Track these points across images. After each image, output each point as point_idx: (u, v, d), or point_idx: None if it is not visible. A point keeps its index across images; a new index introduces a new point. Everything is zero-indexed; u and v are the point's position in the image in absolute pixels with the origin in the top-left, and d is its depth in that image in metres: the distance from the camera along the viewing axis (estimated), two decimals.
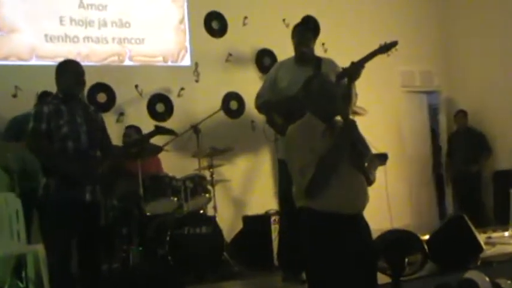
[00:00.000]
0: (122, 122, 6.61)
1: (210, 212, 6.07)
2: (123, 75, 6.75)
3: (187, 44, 7.14)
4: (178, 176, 5.85)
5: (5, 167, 5.21)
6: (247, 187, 7.24)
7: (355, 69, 4.64)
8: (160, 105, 6.90)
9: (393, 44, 4.70)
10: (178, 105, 6.96)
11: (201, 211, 5.92)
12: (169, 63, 7.06)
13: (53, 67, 4.12)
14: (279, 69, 4.94)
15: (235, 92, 7.17)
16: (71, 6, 6.54)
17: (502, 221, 7.16)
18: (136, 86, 6.78)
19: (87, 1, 6.61)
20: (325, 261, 3.09)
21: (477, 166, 8.16)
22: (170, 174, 5.85)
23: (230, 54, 7.30)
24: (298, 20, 6.32)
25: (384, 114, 8.17)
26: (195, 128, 6.41)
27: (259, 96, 4.97)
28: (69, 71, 4.04)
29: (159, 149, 5.79)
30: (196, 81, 7.12)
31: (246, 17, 7.38)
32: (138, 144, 4.47)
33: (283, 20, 7.30)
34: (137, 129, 6.16)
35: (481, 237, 5.22)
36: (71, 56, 5.89)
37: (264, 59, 7.41)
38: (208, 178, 6.12)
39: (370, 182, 3.24)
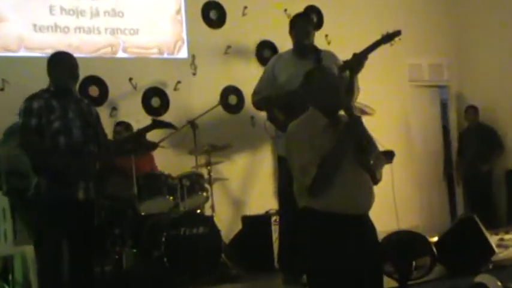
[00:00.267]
0: (114, 117, 6.60)
1: (207, 211, 6.07)
2: (116, 68, 6.73)
3: (184, 35, 7.13)
4: (175, 173, 5.85)
5: None
6: (246, 186, 7.24)
7: (357, 61, 4.64)
8: (155, 99, 6.89)
9: (396, 34, 4.71)
10: (174, 100, 6.95)
11: (198, 211, 5.92)
12: (165, 56, 7.05)
13: (42, 59, 4.12)
14: (276, 63, 4.93)
15: (234, 86, 7.16)
16: None
17: None
18: (130, 79, 6.77)
19: None
20: (327, 264, 3.08)
21: (489, 164, 8.16)
22: (166, 172, 5.84)
23: (229, 46, 7.29)
24: (300, 10, 6.31)
25: (390, 110, 8.15)
26: (192, 124, 6.41)
27: (256, 93, 4.97)
28: (61, 63, 4.04)
29: (154, 146, 5.77)
30: (194, 74, 7.11)
31: (245, 7, 7.36)
32: (133, 139, 4.45)
33: (285, 10, 7.29)
34: (127, 126, 6.16)
35: (493, 239, 5.23)
36: (61, 47, 5.86)
37: (264, 51, 7.40)
38: (206, 176, 6.12)
39: (376, 181, 3.23)
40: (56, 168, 3.84)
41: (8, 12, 6.28)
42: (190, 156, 6.37)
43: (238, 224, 6.32)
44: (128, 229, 5.52)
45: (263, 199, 6.67)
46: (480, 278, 4.14)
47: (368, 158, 3.16)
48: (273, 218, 5.81)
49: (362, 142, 3.12)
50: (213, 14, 7.29)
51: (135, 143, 4.43)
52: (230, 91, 7.18)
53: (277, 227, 5.60)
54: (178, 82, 7.01)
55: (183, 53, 7.12)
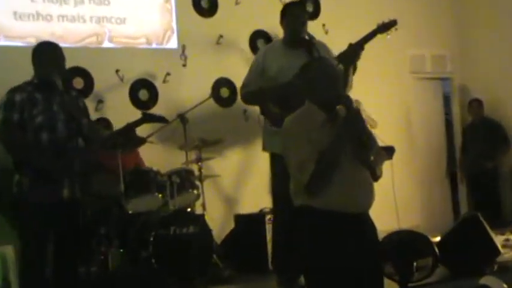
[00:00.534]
0: (100, 111, 6.58)
1: (198, 210, 6.06)
2: (102, 59, 6.71)
3: (173, 24, 7.11)
4: (164, 170, 5.84)
5: None
6: (239, 183, 7.24)
7: (353, 52, 4.65)
8: (143, 92, 6.88)
9: (392, 24, 4.74)
10: (163, 92, 6.94)
11: (189, 209, 5.91)
12: (154, 46, 7.03)
13: (23, 48, 4.11)
14: (266, 54, 4.93)
15: (227, 78, 7.15)
16: None
17: None
18: (117, 71, 6.75)
19: None
20: (326, 263, 3.09)
21: (494, 161, 8.16)
22: (154, 168, 5.83)
23: (221, 36, 7.28)
24: None
25: (390, 103, 8.17)
26: (182, 118, 6.39)
27: (245, 85, 4.96)
28: (45, 54, 4.03)
29: (142, 141, 5.78)
30: (184, 65, 7.10)
31: None
32: (122, 134, 4.45)
33: None
34: (107, 123, 6.14)
35: (498, 240, 5.24)
36: (44, 37, 5.85)
37: (258, 42, 7.39)
38: (197, 173, 6.12)
39: (376, 178, 3.24)
40: (38, 167, 3.83)
41: None
42: (180, 151, 6.37)
43: (230, 223, 6.33)
44: (114, 228, 5.51)
45: (257, 197, 6.68)
46: (484, 280, 4.16)
47: (368, 154, 3.17)
48: (267, 217, 5.82)
49: (361, 137, 3.13)
50: (204, 3, 7.27)
51: (124, 137, 4.43)
52: (222, 83, 7.18)
53: (271, 226, 5.61)
54: (168, 74, 6.99)
55: (173, 43, 7.10)
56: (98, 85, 6.64)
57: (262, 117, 4.94)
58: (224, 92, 7.20)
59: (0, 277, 4.76)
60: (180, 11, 7.12)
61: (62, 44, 4.20)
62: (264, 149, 4.99)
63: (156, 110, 6.70)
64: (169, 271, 5.17)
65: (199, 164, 6.16)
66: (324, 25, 7.56)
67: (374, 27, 4.82)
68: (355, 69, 4.95)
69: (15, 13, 6.34)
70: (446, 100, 9.25)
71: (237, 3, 7.36)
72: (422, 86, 8.80)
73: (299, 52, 4.72)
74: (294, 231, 4.42)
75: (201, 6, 7.26)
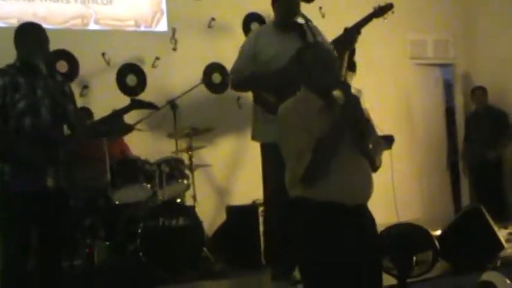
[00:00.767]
0: (86, 96, 6.57)
1: (188, 201, 6.07)
2: (88, 42, 6.70)
3: (163, 6, 7.09)
4: (152, 159, 5.84)
5: None
6: (231, 173, 7.25)
7: (349, 37, 4.65)
8: (131, 77, 6.86)
9: (388, 7, 4.75)
10: (152, 78, 6.93)
11: (178, 200, 5.92)
12: (142, 29, 7.01)
13: (3, 29, 4.07)
14: (257, 38, 4.90)
15: (219, 63, 7.13)
16: None
17: None
18: (103, 54, 6.74)
19: None
20: (322, 259, 3.10)
21: (498, 151, 8.17)
22: (142, 157, 5.83)
23: (213, 19, 7.26)
24: None
25: (389, 90, 8.18)
26: (171, 104, 6.39)
27: (235, 71, 4.94)
28: (27, 35, 3.99)
29: (130, 128, 5.77)
30: (174, 49, 7.08)
31: None
32: (110, 121, 4.43)
33: None
34: (89, 113, 6.12)
35: (502, 233, 5.25)
36: (26, 18, 5.82)
37: (252, 25, 7.37)
38: (187, 162, 6.11)
39: (375, 168, 3.24)
40: (20, 155, 3.81)
41: None
42: (170, 140, 6.36)
43: (222, 215, 6.33)
44: (100, 220, 5.52)
45: (249, 188, 6.66)
46: (487, 276, 4.17)
47: (367, 142, 3.17)
48: (261, 209, 5.81)
49: (360, 125, 3.13)
50: None
51: (111, 125, 4.41)
52: (214, 68, 7.16)
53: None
54: (157, 58, 6.98)
55: (162, 26, 7.08)
56: (83, 69, 6.63)
57: (253, 103, 4.92)
58: (216, 78, 7.18)
59: None
60: None
61: (45, 26, 4.17)
62: (254, 138, 4.98)
63: (144, 96, 6.67)
64: (157, 265, 5.18)
65: (190, 152, 6.16)
66: (320, 8, 7.54)
67: (371, 10, 4.84)
68: (353, 53, 4.95)
69: None
70: (449, 87, 9.26)
71: None
72: (422, 73, 8.80)
73: (292, 36, 4.72)
74: (289, 223, 4.44)
75: None
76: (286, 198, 3.31)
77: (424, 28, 8.55)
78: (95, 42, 6.73)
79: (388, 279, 4.28)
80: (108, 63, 6.76)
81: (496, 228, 5.09)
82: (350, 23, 4.80)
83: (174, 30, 7.06)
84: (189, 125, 6.21)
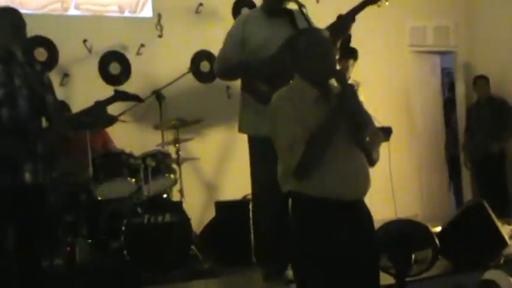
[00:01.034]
0: (66, 86, 6.55)
1: (175, 196, 6.07)
2: (68, 28, 6.67)
3: None
4: (137, 152, 5.83)
5: None
6: (221, 167, 7.24)
7: (343, 24, 4.64)
8: (114, 65, 6.84)
9: None
10: (137, 66, 6.91)
11: (165, 195, 5.91)
12: (126, 14, 6.99)
13: None
14: (245, 23, 4.89)
15: (207, 51, 7.11)
16: None
17: None
18: (84, 41, 6.71)
19: None
20: (316, 257, 3.10)
21: (501, 143, 8.20)
22: (127, 150, 5.82)
23: (201, 4, 7.24)
24: None
25: (387, 80, 8.18)
26: (157, 94, 6.37)
27: (222, 59, 4.91)
28: (4, 21, 3.97)
29: (113, 119, 5.76)
30: (160, 36, 7.06)
31: None
32: (92, 113, 4.44)
33: None
34: (65, 106, 6.08)
35: (505, 230, 5.28)
36: (1, 2, 5.78)
37: (242, 10, 7.34)
38: (174, 155, 6.10)
39: (372, 162, 3.24)
40: None
41: None
42: (156, 132, 6.35)
43: (211, 211, 6.33)
44: (82, 216, 5.52)
45: (240, 182, 6.65)
46: (489, 274, 4.19)
47: (363, 134, 3.16)
48: (252, 204, 5.82)
49: (356, 115, 3.12)
50: None
51: (94, 117, 4.41)
52: (202, 56, 7.15)
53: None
54: (142, 45, 6.95)
55: (147, 12, 7.06)
56: (63, 57, 6.60)
57: (242, 93, 4.90)
58: (204, 66, 7.17)
59: None
60: None
61: (22, 11, 4.15)
62: (242, 130, 4.97)
63: (128, 86, 6.67)
64: (143, 264, 5.18)
65: (177, 145, 6.15)
66: None
67: None
68: (349, 40, 4.94)
69: None
70: (449, 77, 9.27)
71: None
72: (422, 61, 8.81)
73: (282, 22, 4.72)
74: (281, 219, 4.43)
75: None
76: (278, 194, 3.30)
77: (423, 14, 8.55)
78: (75, 29, 6.70)
79: (385, 278, 4.29)
80: (89, 50, 6.73)
81: (499, 224, 5.11)
82: (346, 8, 4.79)
83: (159, 16, 7.04)
84: (176, 116, 6.19)
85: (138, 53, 6.95)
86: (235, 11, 7.36)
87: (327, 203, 3.10)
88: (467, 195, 8.77)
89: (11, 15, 4.02)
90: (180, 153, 6.14)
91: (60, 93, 6.14)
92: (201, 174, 7.12)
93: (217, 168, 7.25)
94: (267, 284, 4.83)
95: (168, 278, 5.19)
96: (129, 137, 6.40)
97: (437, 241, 4.75)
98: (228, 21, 7.23)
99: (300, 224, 3.18)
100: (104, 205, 5.56)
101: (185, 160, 6.34)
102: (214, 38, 7.03)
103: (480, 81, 8.43)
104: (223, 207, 6.20)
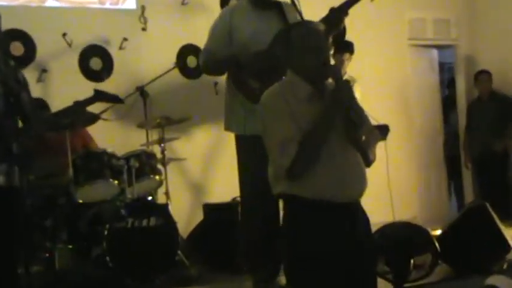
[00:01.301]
0: (44, 82, 6.53)
1: (160, 199, 6.06)
2: (46, 20, 6.65)
3: None
4: (120, 152, 5.81)
5: None
6: (208, 167, 7.24)
7: (335, 18, 4.65)
8: (95, 60, 6.83)
9: None
10: (119, 61, 6.90)
11: (149, 198, 5.90)
12: (108, 6, 6.98)
13: None
14: (232, 15, 4.89)
15: (194, 45, 7.10)
16: None
17: None
18: (63, 35, 6.69)
19: None
20: (310, 262, 3.10)
21: (504, 142, 8.22)
22: (109, 150, 5.80)
23: None
24: None
25: (384, 75, 8.20)
26: (141, 91, 6.38)
27: (208, 52, 4.91)
28: None
29: (94, 118, 5.74)
30: (144, 29, 7.05)
31: None
32: (71, 113, 4.42)
33: None
34: (43, 104, 6.05)
35: (508, 233, 5.29)
36: None
37: (231, 2, 7.33)
38: (159, 155, 6.10)
39: (369, 162, 3.25)
40: None
41: None
42: (140, 130, 6.35)
43: (198, 214, 6.33)
44: (62, 221, 5.49)
45: (229, 184, 6.64)
46: (492, 280, 4.20)
47: (359, 133, 3.17)
48: (240, 207, 5.81)
49: (352, 113, 3.13)
50: None
51: (72, 117, 4.39)
52: (189, 51, 7.14)
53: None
54: (125, 39, 6.94)
55: (131, 3, 7.05)
56: (41, 52, 6.60)
57: (228, 90, 4.89)
58: (191, 61, 7.16)
59: None
60: None
61: None
62: (229, 128, 4.97)
63: (111, 82, 6.66)
64: (126, 271, 5.18)
65: (162, 145, 6.14)
66: None
67: None
68: (343, 33, 4.94)
69: None
70: (449, 72, 9.29)
71: None
72: (421, 55, 8.83)
73: (271, 15, 4.72)
74: (272, 222, 4.43)
75: None
76: (268, 196, 3.30)
77: (423, 6, 8.57)
78: (54, 21, 6.68)
79: (383, 284, 4.30)
80: (69, 44, 6.72)
81: (502, 227, 5.12)
82: (338, 1, 4.79)
83: (143, 8, 7.03)
84: (161, 114, 6.19)
85: (120, 47, 6.94)
86: (224, 3, 7.32)
87: (321, 206, 3.10)
88: (469, 196, 8.80)
89: None
90: (165, 153, 6.13)
91: (37, 90, 6.18)
92: (188, 175, 7.12)
93: (205, 169, 7.25)
94: None
95: (153, 285, 5.19)
96: (112, 136, 6.39)
97: (437, 245, 4.78)
98: (216, 14, 7.16)
99: (292, 227, 3.18)
100: (85, 209, 5.55)
101: (171, 160, 6.34)
102: (201, 32, 7.00)
103: (482, 77, 8.45)
104: (211, 209, 6.20)
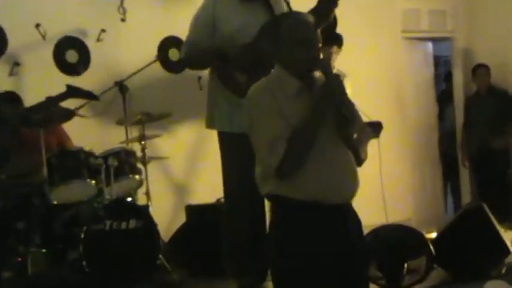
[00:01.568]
0: (17, 76, 6.50)
1: (141, 200, 6.05)
2: (18, 10, 6.62)
3: None
4: (98, 150, 5.81)
5: None
6: (192, 167, 7.24)
7: (324, 9, 4.66)
8: (71, 53, 6.81)
9: None
10: (97, 54, 6.88)
11: (129, 199, 5.90)
12: None
13: None
14: (216, 5, 4.90)
15: (176, 37, 7.08)
16: None
17: None
18: (37, 26, 6.66)
19: None
20: (299, 266, 3.11)
21: (505, 138, 8.25)
22: (86, 148, 5.80)
23: None
24: None
25: (377, 69, 8.22)
26: (120, 86, 6.36)
27: (191, 43, 4.91)
28: None
29: (70, 114, 5.73)
30: (123, 20, 7.03)
31: None
32: (44, 109, 4.41)
33: None
34: (15, 97, 6.01)
35: (507, 236, 5.32)
36: None
37: None
38: (139, 154, 6.09)
39: (360, 161, 3.26)
40: None
41: None
42: (119, 127, 6.33)
43: (181, 216, 6.33)
44: (36, 223, 5.48)
45: (213, 184, 6.65)
46: (490, 285, 4.23)
47: (350, 130, 3.18)
48: (224, 209, 5.82)
49: (343, 109, 3.14)
50: None
51: (45, 113, 4.38)
52: (171, 43, 7.13)
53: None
54: (103, 31, 6.92)
55: None
56: (13, 44, 6.56)
57: (212, 84, 4.90)
58: (173, 54, 7.15)
59: None
60: None
61: None
62: (212, 126, 4.97)
63: (88, 76, 6.64)
64: (104, 276, 5.17)
65: (143, 142, 6.13)
66: None
67: None
68: (334, 25, 4.95)
69: None
70: (446, 65, 9.32)
71: None
72: (416, 48, 8.86)
73: (256, 6, 4.74)
74: (259, 225, 4.44)
75: None
76: (255, 196, 3.31)
77: None
78: (27, 11, 6.64)
79: None
80: (43, 36, 6.68)
81: (500, 229, 5.15)
82: None
83: None
84: (142, 110, 6.17)
85: (98, 39, 6.92)
86: None
87: (311, 207, 3.11)
88: (466, 197, 8.84)
89: None
90: (146, 151, 6.13)
91: (10, 85, 6.16)
92: (170, 174, 7.11)
93: (187, 168, 7.24)
94: None
95: None
96: (89, 133, 6.38)
97: (432, 249, 4.79)
98: (200, 4, 7.25)
99: (280, 230, 3.19)
100: (60, 210, 5.54)
101: (152, 159, 6.33)
102: (184, 23, 6.99)
103: (480, 71, 8.48)
104: (194, 211, 6.21)
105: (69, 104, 5.73)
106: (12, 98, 5.97)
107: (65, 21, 6.82)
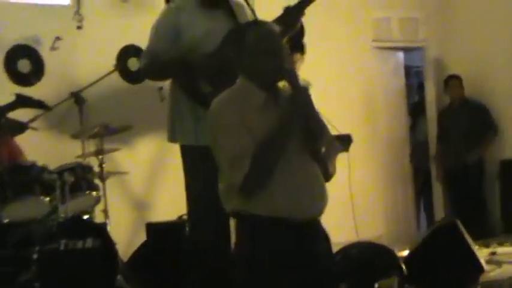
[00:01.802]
0: None
1: (98, 217, 6.03)
2: None
3: None
4: (52, 165, 5.78)
5: None
6: (152, 182, 7.23)
7: (290, 18, 4.69)
8: (24, 62, 6.79)
9: None
10: (51, 63, 6.87)
11: (86, 216, 5.87)
12: (39, 1, 6.93)
13: None
14: (178, 14, 4.90)
15: (136, 46, 7.09)
16: None
17: (511, 230, 7.38)
18: None
19: None
20: (268, 285, 3.12)
21: (478, 153, 8.30)
22: (39, 163, 5.76)
23: None
24: None
25: (346, 80, 8.27)
26: (76, 97, 6.33)
27: (154, 53, 4.90)
28: None
29: (22, 127, 5.70)
30: (79, 27, 7.02)
31: None
32: None
33: None
34: None
35: (482, 253, 5.37)
36: None
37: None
38: (97, 169, 6.07)
39: (329, 175, 3.28)
40: None
41: None
42: (75, 141, 6.31)
43: (141, 235, 6.31)
44: None
45: (175, 200, 6.65)
46: None
47: (318, 144, 3.19)
48: (188, 227, 5.81)
49: (311, 121, 3.15)
50: None
51: None
52: (130, 52, 7.14)
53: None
54: (58, 38, 6.91)
55: None
56: None
57: (174, 95, 4.90)
58: (133, 64, 7.16)
59: None
60: None
61: None
62: (174, 139, 4.97)
63: (41, 86, 6.62)
64: None
65: (100, 157, 6.12)
66: None
67: None
68: (302, 34, 4.97)
69: None
70: (418, 76, 9.37)
71: None
72: (386, 58, 8.91)
73: (220, 14, 4.75)
74: (223, 243, 4.44)
75: None
76: (219, 213, 3.31)
77: (388, 4, 8.66)
78: None
79: None
80: None
81: (474, 247, 5.19)
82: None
83: (79, 4, 7.00)
84: (99, 122, 6.17)
85: (52, 48, 6.90)
86: (169, 1, 7.35)
87: (277, 224, 3.12)
88: (439, 213, 8.89)
89: None
90: (104, 166, 6.12)
91: None
92: (130, 191, 7.10)
93: (148, 184, 7.23)
94: None
95: None
96: (43, 147, 6.35)
97: (403, 267, 4.82)
98: (160, 12, 7.26)
99: (246, 247, 3.20)
100: (11, 229, 5.49)
101: (110, 174, 6.32)
102: (144, 31, 6.99)
103: (453, 82, 8.53)
104: (155, 229, 6.19)
105: (22, 115, 5.70)
106: None
107: (17, 28, 6.80)
